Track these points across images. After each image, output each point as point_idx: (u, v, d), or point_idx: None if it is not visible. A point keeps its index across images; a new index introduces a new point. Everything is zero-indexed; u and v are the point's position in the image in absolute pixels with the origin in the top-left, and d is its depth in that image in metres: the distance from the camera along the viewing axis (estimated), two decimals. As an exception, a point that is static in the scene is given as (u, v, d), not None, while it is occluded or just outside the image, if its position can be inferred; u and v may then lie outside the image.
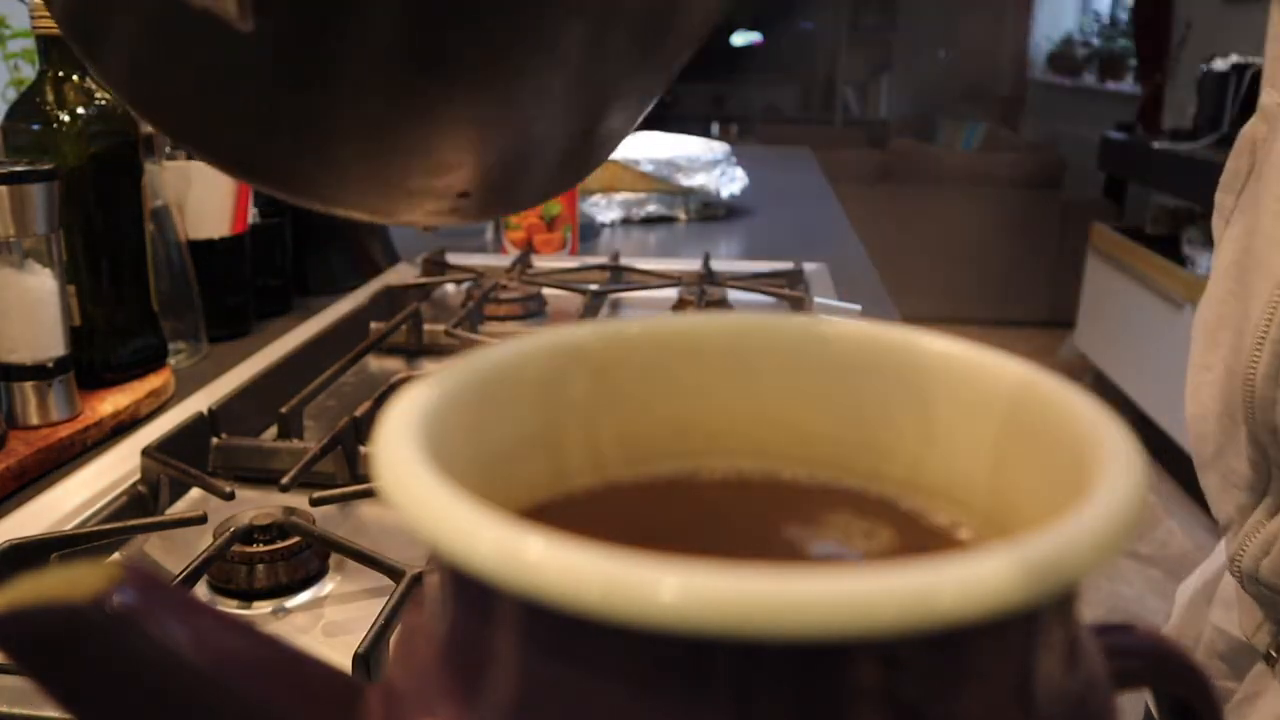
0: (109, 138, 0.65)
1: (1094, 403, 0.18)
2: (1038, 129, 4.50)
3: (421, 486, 0.15)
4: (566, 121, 0.23)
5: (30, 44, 0.91)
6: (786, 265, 0.97)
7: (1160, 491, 2.16)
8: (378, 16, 0.19)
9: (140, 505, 0.52)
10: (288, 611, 0.44)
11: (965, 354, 0.21)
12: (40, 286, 0.59)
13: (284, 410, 0.59)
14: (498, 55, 0.20)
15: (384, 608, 0.39)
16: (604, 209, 1.34)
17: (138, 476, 0.53)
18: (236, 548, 0.44)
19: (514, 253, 1.05)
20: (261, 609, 0.44)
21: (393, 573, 0.42)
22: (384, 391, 0.60)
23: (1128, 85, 3.93)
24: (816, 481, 0.23)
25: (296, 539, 0.45)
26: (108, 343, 0.67)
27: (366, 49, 0.19)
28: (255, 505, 0.48)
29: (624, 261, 0.99)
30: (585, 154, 0.25)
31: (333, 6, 0.19)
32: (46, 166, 0.57)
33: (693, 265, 0.97)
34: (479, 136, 0.22)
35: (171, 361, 0.72)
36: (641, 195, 1.36)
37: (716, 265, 0.97)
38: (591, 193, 1.33)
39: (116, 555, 0.49)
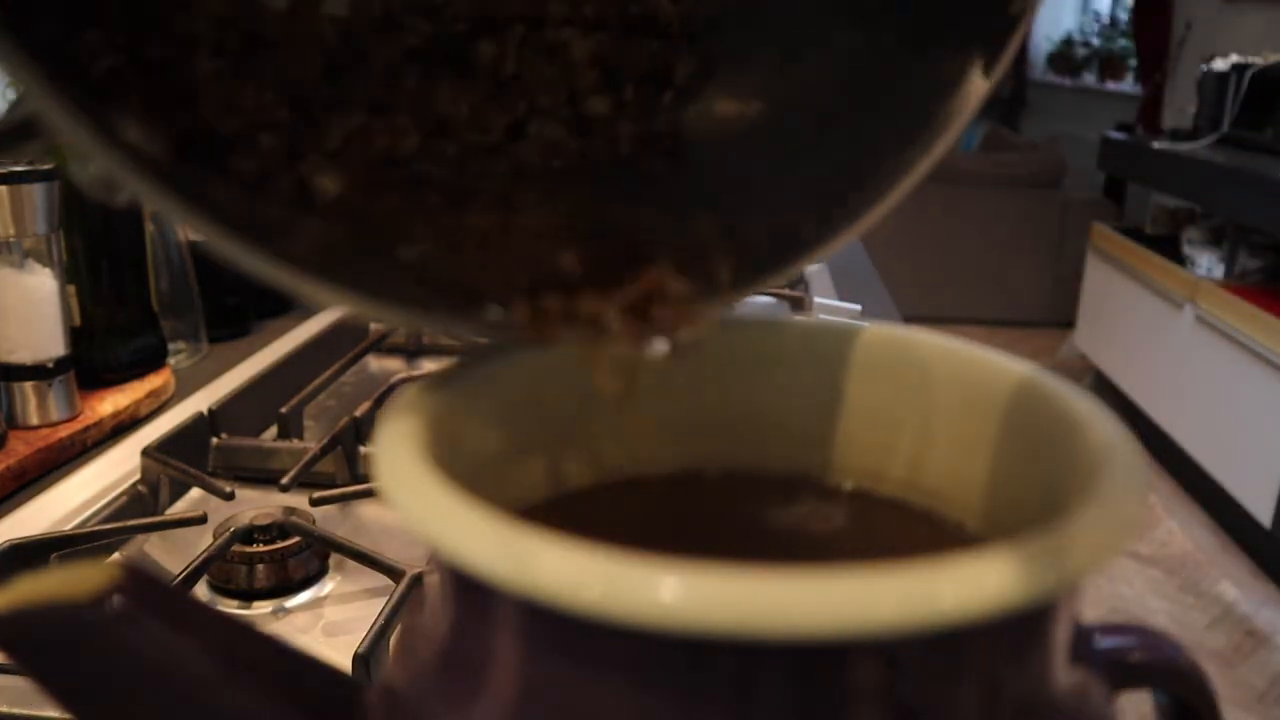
0: (109, 138, 0.65)
1: (1094, 403, 0.18)
2: (1038, 129, 4.49)
3: (422, 487, 0.15)
4: None
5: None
6: (786, 265, 0.96)
7: (1160, 491, 2.16)
8: None
9: (140, 505, 0.52)
10: (288, 611, 0.44)
11: (965, 354, 0.21)
12: (40, 286, 0.59)
13: (284, 410, 0.59)
14: None
15: (384, 608, 0.39)
16: (604, 209, 1.33)
17: (138, 476, 0.53)
18: (236, 548, 0.44)
19: (514, 253, 1.05)
20: (261, 609, 0.44)
21: (393, 573, 0.42)
22: (384, 391, 0.60)
23: (1128, 85, 3.93)
24: (816, 481, 0.23)
25: (296, 539, 0.45)
26: (108, 343, 0.67)
27: None
28: (255, 505, 0.48)
29: (624, 261, 0.98)
30: None
31: None
32: (46, 166, 0.57)
33: (693, 265, 0.97)
34: None
35: (171, 361, 0.72)
36: (641, 195, 1.35)
37: (716, 265, 0.96)
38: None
39: (116, 555, 0.49)
